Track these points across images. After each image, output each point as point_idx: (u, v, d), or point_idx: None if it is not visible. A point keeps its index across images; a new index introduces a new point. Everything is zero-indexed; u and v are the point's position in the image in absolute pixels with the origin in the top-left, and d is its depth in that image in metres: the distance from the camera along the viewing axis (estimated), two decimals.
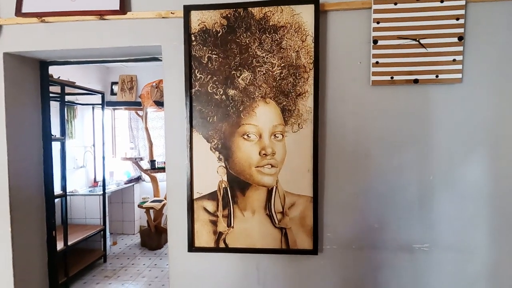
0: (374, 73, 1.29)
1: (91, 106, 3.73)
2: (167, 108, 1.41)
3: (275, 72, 1.32)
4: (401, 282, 1.35)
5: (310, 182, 1.33)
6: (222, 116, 1.35)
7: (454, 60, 1.26)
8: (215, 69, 1.35)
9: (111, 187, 3.90)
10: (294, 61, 1.31)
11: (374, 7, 1.27)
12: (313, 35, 1.29)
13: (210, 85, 1.36)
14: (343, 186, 1.35)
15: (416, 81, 1.28)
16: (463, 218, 1.31)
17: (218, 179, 1.38)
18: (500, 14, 1.25)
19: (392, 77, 1.29)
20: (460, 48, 1.26)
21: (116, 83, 4.37)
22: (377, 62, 1.29)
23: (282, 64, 1.32)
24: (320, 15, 1.29)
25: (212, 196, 1.38)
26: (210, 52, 1.35)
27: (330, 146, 1.35)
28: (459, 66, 1.26)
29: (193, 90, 1.36)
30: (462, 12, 1.24)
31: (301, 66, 1.31)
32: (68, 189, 3.43)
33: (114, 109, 4.43)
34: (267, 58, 1.32)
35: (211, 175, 1.38)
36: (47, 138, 1.76)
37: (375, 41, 1.28)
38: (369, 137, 1.33)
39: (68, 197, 3.32)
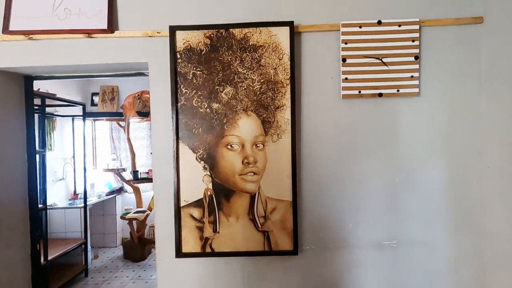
0: (344, 88, 1.44)
1: (71, 117, 3.69)
2: (154, 121, 1.49)
3: (255, 87, 1.44)
4: (374, 277, 1.48)
5: (289, 187, 1.45)
6: (207, 128, 1.45)
7: (412, 76, 1.44)
8: (200, 84, 1.45)
9: (92, 199, 3.84)
10: (272, 77, 1.44)
11: (342, 29, 1.43)
12: (289, 54, 1.43)
13: (195, 99, 1.45)
14: (320, 190, 1.48)
15: (380, 95, 1.44)
16: (425, 216, 1.47)
17: (203, 187, 1.46)
18: (449, 37, 1.45)
19: (359, 91, 1.44)
20: (417, 66, 1.43)
21: (96, 93, 4.34)
22: (346, 78, 1.44)
23: (262, 80, 1.44)
24: (294, 36, 1.43)
25: (198, 203, 1.46)
26: (194, 68, 1.45)
27: (306, 154, 1.48)
28: (416, 82, 1.44)
29: (179, 104, 1.45)
30: (417, 35, 1.43)
31: (279, 81, 1.44)
32: (48, 203, 3.36)
33: (94, 120, 4.39)
34: (247, 74, 1.44)
35: (197, 184, 1.46)
36: (31, 152, 1.77)
37: (344, 60, 1.44)
38: (341, 145, 1.47)
39: (47, 211, 3.25)
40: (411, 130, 1.46)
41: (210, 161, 1.46)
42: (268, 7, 1.46)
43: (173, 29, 1.44)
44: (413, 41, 1.43)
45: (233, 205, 1.46)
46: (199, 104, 1.45)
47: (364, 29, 1.43)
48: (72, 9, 1.45)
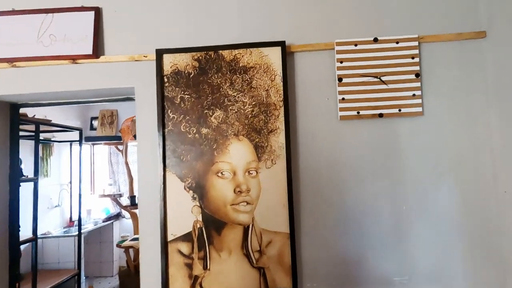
0: (341, 109, 1.35)
1: (69, 142, 3.65)
2: (139, 149, 1.40)
3: (247, 110, 1.36)
4: None
5: (286, 217, 1.32)
6: (196, 154, 1.36)
7: (413, 95, 1.34)
8: (188, 108, 1.37)
9: (88, 226, 3.72)
10: (264, 99, 1.36)
11: (337, 48, 1.36)
12: (281, 75, 1.35)
13: (183, 124, 1.37)
14: (319, 220, 1.35)
15: (381, 115, 1.34)
16: (438, 247, 1.32)
17: (192, 219, 1.34)
18: (451, 53, 1.37)
19: (358, 112, 1.35)
20: (418, 84, 1.34)
21: (96, 118, 4.33)
22: (343, 99, 1.35)
23: (253, 103, 1.36)
24: (287, 56, 1.37)
25: (186, 237, 1.34)
26: (182, 92, 1.38)
27: (304, 180, 1.36)
28: (419, 101, 1.34)
29: (166, 130, 1.37)
30: (416, 51, 1.35)
31: (271, 104, 1.35)
32: (41, 231, 3.25)
33: (93, 144, 4.35)
34: (238, 97, 1.36)
35: (185, 216, 1.34)
36: (15, 181, 1.68)
37: (340, 79, 1.36)
38: (341, 170, 1.36)
39: (40, 240, 3.12)
40: (417, 153, 1.35)
41: (200, 191, 1.35)
42: (259, 27, 1.41)
43: (160, 53, 1.38)
44: (412, 58, 1.35)
45: (224, 239, 1.33)
46: (187, 129, 1.37)
47: (360, 47, 1.36)
48: (57, 35, 1.41)
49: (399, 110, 1.34)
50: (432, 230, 1.32)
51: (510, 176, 1.29)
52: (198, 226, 1.34)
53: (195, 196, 1.35)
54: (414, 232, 1.33)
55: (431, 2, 1.39)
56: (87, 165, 4.28)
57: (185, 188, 1.35)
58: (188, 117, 1.37)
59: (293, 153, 1.35)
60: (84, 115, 4.30)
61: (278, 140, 1.34)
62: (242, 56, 1.37)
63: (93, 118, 4.36)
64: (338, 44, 1.36)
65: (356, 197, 1.35)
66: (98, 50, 1.41)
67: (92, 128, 4.34)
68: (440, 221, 1.32)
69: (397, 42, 1.35)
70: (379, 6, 1.40)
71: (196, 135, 1.36)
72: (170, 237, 1.34)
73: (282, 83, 1.35)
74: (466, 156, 1.34)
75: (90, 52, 1.40)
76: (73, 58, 1.41)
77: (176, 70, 1.39)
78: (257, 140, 1.35)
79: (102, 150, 4.46)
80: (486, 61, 1.35)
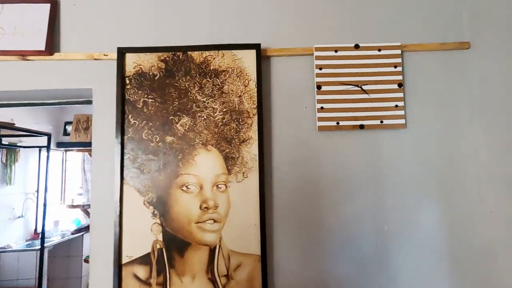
0: (320, 119, 1.25)
1: (37, 148, 3.40)
2: (95, 157, 1.25)
3: (217, 118, 1.23)
4: None
5: (257, 238, 1.18)
6: (159, 165, 1.21)
7: (396, 106, 1.26)
8: (151, 114, 1.23)
9: (54, 239, 3.44)
10: (236, 106, 1.24)
11: (316, 53, 1.27)
12: (255, 80, 1.24)
13: (145, 131, 1.23)
14: (294, 241, 1.22)
15: (362, 126, 1.25)
16: (422, 271, 1.21)
17: (152, 239, 1.18)
18: (435, 63, 1.30)
19: (338, 123, 1.25)
20: (401, 95, 1.26)
21: (70, 122, 4.09)
22: (322, 108, 1.25)
23: (224, 109, 1.24)
24: (262, 60, 1.26)
25: (144, 259, 1.18)
26: (146, 96, 1.24)
27: (278, 196, 1.23)
28: (402, 112, 1.25)
29: (125, 137, 1.22)
30: (399, 60, 1.27)
31: (244, 111, 1.24)
32: (1, 244, 2.97)
33: (66, 151, 4.10)
34: (208, 103, 1.24)
35: (144, 235, 1.18)
36: None
37: (318, 87, 1.26)
38: (319, 185, 1.24)
39: None
40: (399, 168, 1.25)
41: (161, 206, 1.20)
42: (233, 28, 1.30)
43: (122, 51, 1.25)
44: (395, 67, 1.27)
45: (188, 261, 1.18)
46: (149, 137, 1.22)
47: (340, 53, 1.27)
48: (5, 28, 1.26)
49: (381, 122, 1.25)
50: (416, 254, 1.21)
51: (497, 194, 1.21)
52: (158, 246, 1.18)
53: (155, 212, 1.20)
54: (397, 255, 1.21)
55: (415, 10, 1.33)
56: (58, 172, 4.02)
57: (144, 203, 1.20)
58: (151, 124, 1.23)
59: (266, 166, 1.23)
60: (57, 119, 4.06)
61: (251, 151, 1.22)
62: (214, 58, 1.26)
63: (67, 123, 4.12)
64: (317, 49, 1.27)
65: (335, 215, 1.23)
66: (52, 46, 1.26)
67: (65, 133, 4.09)
68: (424, 244, 1.21)
69: (379, 50, 1.27)
70: (360, 12, 1.32)
71: (160, 143, 1.22)
72: (125, 259, 1.17)
73: (256, 89, 1.24)
74: (451, 173, 1.25)
75: (42, 48, 1.24)
76: (23, 54, 1.25)
77: (140, 72, 1.25)
78: (227, 150, 1.22)
79: (76, 157, 4.20)
80: (471, 73, 1.29)
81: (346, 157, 1.25)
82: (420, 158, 1.26)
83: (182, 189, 1.20)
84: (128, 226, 1.19)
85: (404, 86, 1.28)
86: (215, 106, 1.24)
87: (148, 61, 1.25)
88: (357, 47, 1.27)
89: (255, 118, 1.23)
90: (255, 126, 1.22)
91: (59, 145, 3.96)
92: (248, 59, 1.25)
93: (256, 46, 1.25)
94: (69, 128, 4.08)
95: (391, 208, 1.23)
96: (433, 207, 1.23)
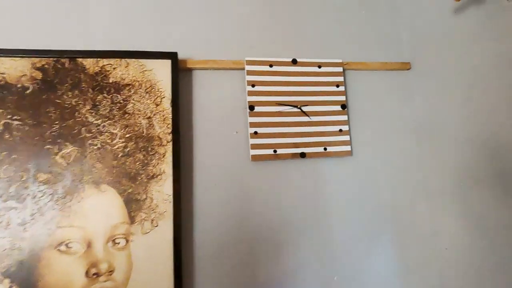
0: (254, 146, 1.01)
1: None
2: None
3: (117, 146, 0.92)
4: None
5: None
6: (23, 216, 0.84)
7: (340, 130, 1.09)
8: (17, 142, 0.87)
9: None
10: (144, 130, 0.94)
11: (247, 67, 1.05)
12: (170, 97, 0.97)
13: (4, 167, 0.85)
14: None
15: (303, 155, 1.04)
16: None
17: None
18: (377, 83, 1.18)
19: (275, 151, 1.02)
20: (345, 117, 1.10)
21: None
22: (255, 133, 1.02)
23: (127, 135, 0.93)
24: (180, 73, 1.00)
25: None
26: (10, 117, 0.88)
27: (200, 249, 0.94)
28: (347, 137, 1.09)
29: None
30: (341, 79, 1.12)
31: (155, 137, 0.94)
32: None
33: None
34: (104, 126, 0.92)
35: None
36: None
37: (251, 107, 1.03)
38: (252, 229, 0.98)
39: None
40: (347, 203, 1.06)
41: (26, 277, 0.81)
42: (143, 32, 1.03)
43: None
44: (337, 86, 1.11)
45: None
46: (11, 174, 0.85)
47: (276, 68, 1.07)
48: None
49: (325, 149, 1.06)
50: None
51: (450, 230, 1.08)
52: None
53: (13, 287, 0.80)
54: None
55: (356, 27, 1.21)
56: None
57: None
58: (15, 156, 0.86)
59: (184, 210, 0.94)
60: None
61: (163, 190, 0.92)
62: (114, 68, 0.96)
63: None
64: (249, 62, 1.06)
65: (272, 266, 0.97)
66: None
67: None
68: None
69: (319, 66, 1.11)
70: (298, 25, 1.16)
71: (28, 184, 0.85)
72: None
73: (172, 108, 0.96)
74: (402, 206, 1.11)
75: None
76: None
77: (2, 83, 0.89)
78: (130, 190, 0.90)
79: None
80: (413, 94, 1.20)
81: (285, 191, 1.03)
82: (369, 191, 1.09)
83: (59, 250, 0.84)
84: None
85: (348, 108, 1.13)
86: (114, 131, 0.92)
87: (17, 69, 0.90)
88: (294, 62, 1.09)
89: (170, 147, 0.94)
90: (169, 157, 0.93)
91: None
92: (162, 71, 0.98)
93: (171, 55, 0.99)
94: None
95: (340, 254, 1.03)
96: (387, 249, 1.06)
